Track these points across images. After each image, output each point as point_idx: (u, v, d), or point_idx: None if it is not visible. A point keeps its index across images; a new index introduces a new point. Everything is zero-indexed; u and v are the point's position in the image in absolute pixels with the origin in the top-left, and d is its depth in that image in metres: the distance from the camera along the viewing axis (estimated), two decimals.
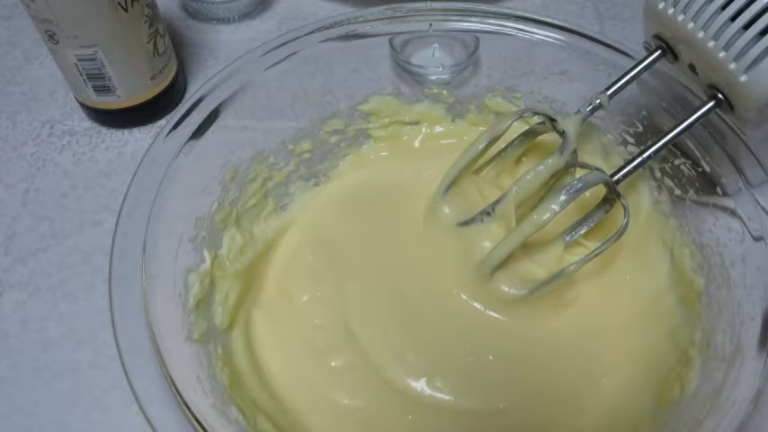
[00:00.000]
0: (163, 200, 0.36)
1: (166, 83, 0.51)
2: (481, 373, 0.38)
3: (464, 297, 0.41)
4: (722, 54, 0.33)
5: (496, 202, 0.40)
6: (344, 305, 0.41)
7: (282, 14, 0.61)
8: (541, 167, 0.39)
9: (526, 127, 0.43)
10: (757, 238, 0.35)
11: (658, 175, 0.42)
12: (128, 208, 0.35)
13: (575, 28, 0.43)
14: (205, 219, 0.39)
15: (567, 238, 0.41)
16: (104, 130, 0.52)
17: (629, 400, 0.37)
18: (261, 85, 0.42)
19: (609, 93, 0.39)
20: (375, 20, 0.45)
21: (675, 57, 0.37)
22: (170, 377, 0.30)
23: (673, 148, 0.41)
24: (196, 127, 0.39)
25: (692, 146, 0.39)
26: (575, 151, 0.40)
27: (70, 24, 0.43)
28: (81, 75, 0.46)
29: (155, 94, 0.50)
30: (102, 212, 0.47)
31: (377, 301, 0.41)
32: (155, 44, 0.48)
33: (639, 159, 0.37)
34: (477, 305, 0.40)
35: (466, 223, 0.42)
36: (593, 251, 0.38)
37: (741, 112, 0.34)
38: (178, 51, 0.55)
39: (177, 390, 0.30)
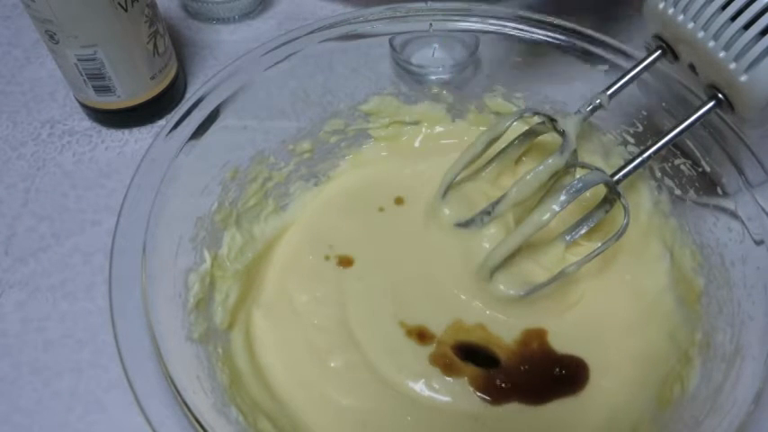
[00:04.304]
0: (163, 200, 0.36)
1: (166, 83, 0.51)
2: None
3: (464, 297, 0.41)
4: (722, 54, 0.33)
5: (496, 203, 0.40)
6: (344, 305, 0.41)
7: (282, 14, 0.61)
8: (541, 168, 0.39)
9: (526, 127, 0.43)
10: (758, 240, 0.35)
11: (658, 175, 0.42)
12: (128, 208, 0.35)
13: (575, 28, 0.43)
14: (205, 219, 0.39)
15: (568, 239, 0.41)
16: (104, 130, 0.52)
17: (629, 400, 0.37)
18: (261, 85, 0.42)
19: (609, 93, 0.39)
20: (375, 20, 0.45)
21: (675, 57, 0.37)
22: (170, 377, 0.30)
23: (673, 148, 0.41)
24: (196, 127, 0.39)
25: (692, 146, 0.39)
26: (575, 151, 0.40)
27: (70, 24, 0.43)
28: (81, 75, 0.46)
29: (155, 94, 0.50)
30: (102, 212, 0.47)
31: (376, 301, 0.41)
32: (155, 44, 0.48)
33: (639, 159, 0.37)
34: (476, 305, 0.40)
35: (466, 224, 0.42)
36: (594, 251, 0.38)
37: (741, 111, 0.34)
38: (178, 51, 0.55)
39: (177, 390, 0.30)
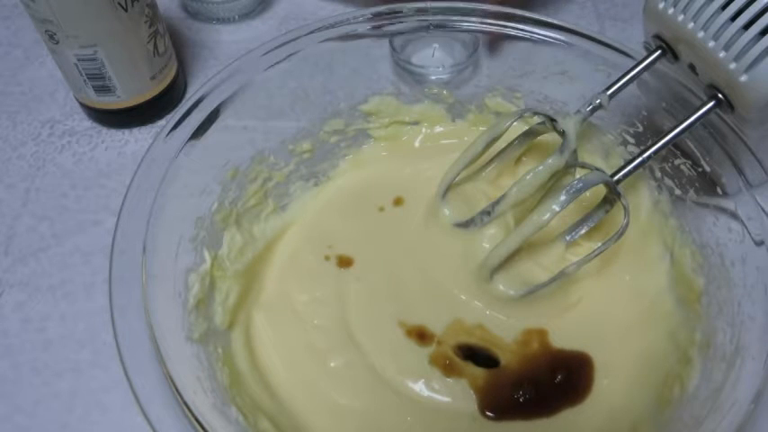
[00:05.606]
0: (163, 200, 0.36)
1: (166, 83, 0.51)
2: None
3: (464, 297, 0.41)
4: (722, 54, 0.33)
5: (496, 203, 0.40)
6: (344, 305, 0.41)
7: (282, 14, 0.61)
8: (541, 168, 0.39)
9: (526, 127, 0.43)
10: (758, 240, 0.35)
11: (658, 175, 0.42)
12: (128, 208, 0.35)
13: (575, 28, 0.43)
14: (205, 219, 0.39)
15: (568, 239, 0.41)
16: (104, 130, 0.52)
17: (629, 400, 0.37)
18: (261, 85, 0.42)
19: (609, 93, 0.39)
20: (375, 20, 0.45)
21: (675, 57, 0.37)
22: (170, 377, 0.30)
23: (673, 148, 0.41)
24: (196, 127, 0.39)
25: (692, 146, 0.39)
26: (575, 151, 0.40)
27: (70, 24, 0.43)
28: (81, 75, 0.46)
29: (155, 94, 0.50)
30: (102, 212, 0.47)
31: (376, 301, 0.41)
32: (155, 44, 0.48)
33: (639, 159, 0.37)
34: (476, 305, 0.40)
35: (466, 224, 0.42)
36: (593, 251, 0.38)
37: (741, 111, 0.34)
38: (178, 51, 0.55)
39: (177, 390, 0.30)
